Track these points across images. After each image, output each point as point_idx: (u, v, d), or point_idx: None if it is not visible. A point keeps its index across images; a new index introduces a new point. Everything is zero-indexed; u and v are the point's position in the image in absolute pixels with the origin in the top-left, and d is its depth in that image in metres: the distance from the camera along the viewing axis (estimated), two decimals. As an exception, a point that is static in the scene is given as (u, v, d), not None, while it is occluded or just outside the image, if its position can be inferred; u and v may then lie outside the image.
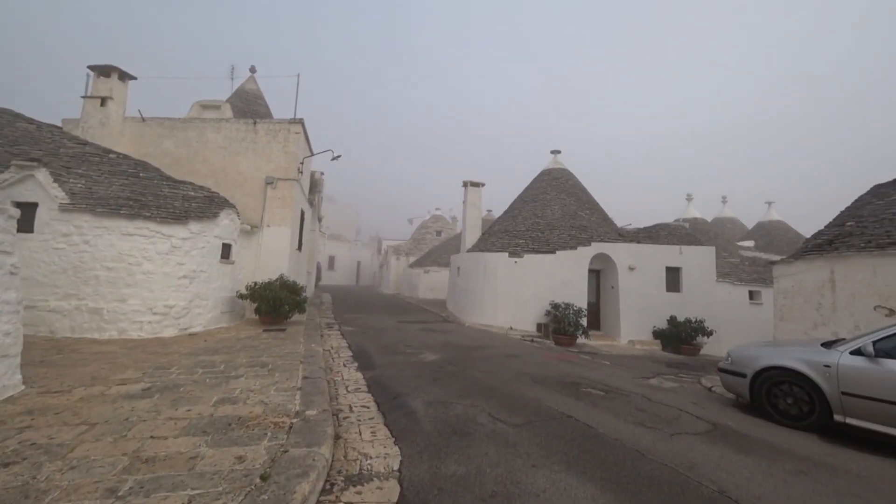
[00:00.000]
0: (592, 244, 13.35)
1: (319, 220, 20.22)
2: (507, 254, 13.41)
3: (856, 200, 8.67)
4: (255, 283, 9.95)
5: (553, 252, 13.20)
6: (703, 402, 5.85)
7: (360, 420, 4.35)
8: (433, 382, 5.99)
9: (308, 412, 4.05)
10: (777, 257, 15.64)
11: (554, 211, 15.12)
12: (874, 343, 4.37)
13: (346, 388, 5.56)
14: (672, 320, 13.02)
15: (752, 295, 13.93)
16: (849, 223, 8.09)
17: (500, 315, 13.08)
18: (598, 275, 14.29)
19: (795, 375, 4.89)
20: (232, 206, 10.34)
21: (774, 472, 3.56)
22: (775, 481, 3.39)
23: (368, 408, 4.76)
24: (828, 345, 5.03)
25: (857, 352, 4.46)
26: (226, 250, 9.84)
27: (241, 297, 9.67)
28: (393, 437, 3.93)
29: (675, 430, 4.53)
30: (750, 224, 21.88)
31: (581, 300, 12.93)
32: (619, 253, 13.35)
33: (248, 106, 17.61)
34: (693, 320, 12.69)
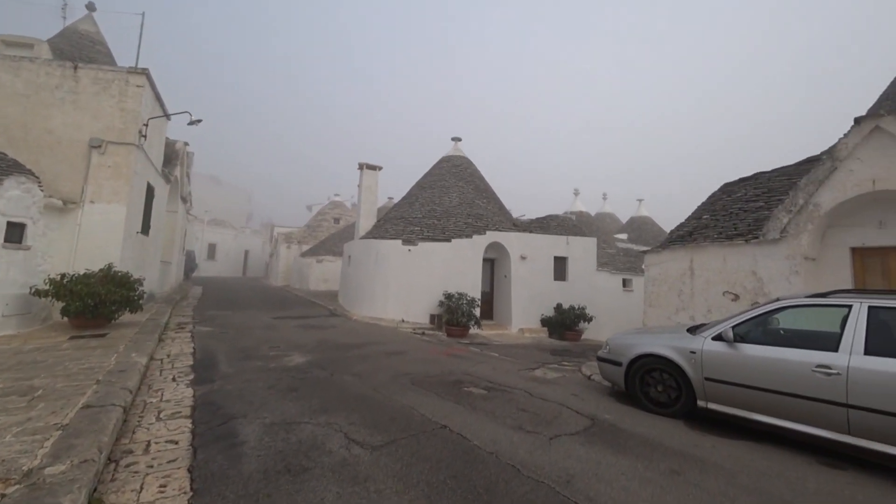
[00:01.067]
0: (487, 233, 13.19)
1: (183, 199, 17.05)
2: (400, 241, 12.57)
3: (710, 196, 9.59)
4: (64, 276, 7.57)
5: (448, 240, 12.72)
6: (583, 394, 5.69)
7: (151, 466, 3.08)
8: (287, 395, 4.86)
9: (51, 468, 2.67)
10: (646, 248, 17.41)
11: (451, 198, 14.68)
12: (733, 328, 4.44)
13: (159, 413, 4.15)
14: (558, 308, 13.52)
15: (625, 283, 15.19)
16: (705, 216, 8.87)
17: (391, 307, 12.22)
18: (493, 264, 14.26)
19: (666, 363, 4.86)
20: (27, 173, 7.73)
21: (651, 476, 3.26)
22: (652, 489, 3.06)
23: (177, 443, 3.49)
24: (693, 330, 5.12)
25: (718, 337, 4.51)
26: (15, 231, 7.30)
27: (39, 293, 7.25)
28: (192, 490, 2.78)
29: (554, 431, 4.12)
30: (625, 219, 24.36)
31: (475, 290, 12.69)
32: (513, 242, 13.42)
33: (80, 52, 13.87)
34: (576, 307, 13.32)
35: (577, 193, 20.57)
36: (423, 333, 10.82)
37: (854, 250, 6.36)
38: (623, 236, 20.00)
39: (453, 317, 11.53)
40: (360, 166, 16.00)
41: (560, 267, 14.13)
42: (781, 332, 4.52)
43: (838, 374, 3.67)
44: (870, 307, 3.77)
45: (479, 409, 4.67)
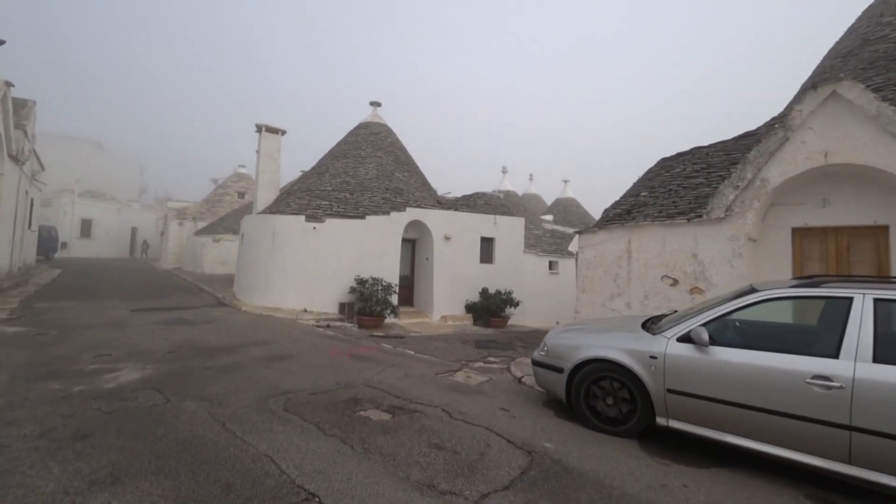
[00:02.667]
0: (407, 209, 11.64)
1: (15, 159, 12.95)
2: (303, 217, 10.53)
3: (646, 172, 9.01)
4: None
5: (362, 217, 10.95)
6: (514, 407, 4.51)
7: None
8: (64, 449, 2.99)
9: None
10: (572, 230, 17.18)
11: (368, 170, 12.83)
12: (705, 326, 3.46)
13: None
14: (484, 292, 12.55)
15: (551, 265, 14.72)
16: (643, 193, 8.21)
17: (291, 295, 10.23)
18: (414, 245, 12.81)
19: (619, 369, 3.81)
20: None
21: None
22: None
23: None
24: (648, 326, 4.12)
25: (686, 338, 3.51)
26: None
27: None
28: None
29: (480, 485, 2.81)
30: (550, 201, 24.35)
31: (393, 274, 11.16)
32: (436, 220, 12.04)
33: None
34: (503, 292, 12.45)
35: (504, 171, 19.82)
36: (328, 326, 9.08)
37: (795, 231, 5.93)
38: (549, 217, 19.74)
39: (366, 305, 9.93)
40: (259, 128, 13.38)
41: (487, 248, 13.13)
42: (759, 330, 3.66)
43: (841, 387, 2.80)
44: (875, 300, 2.93)
45: (373, 452, 3.22)
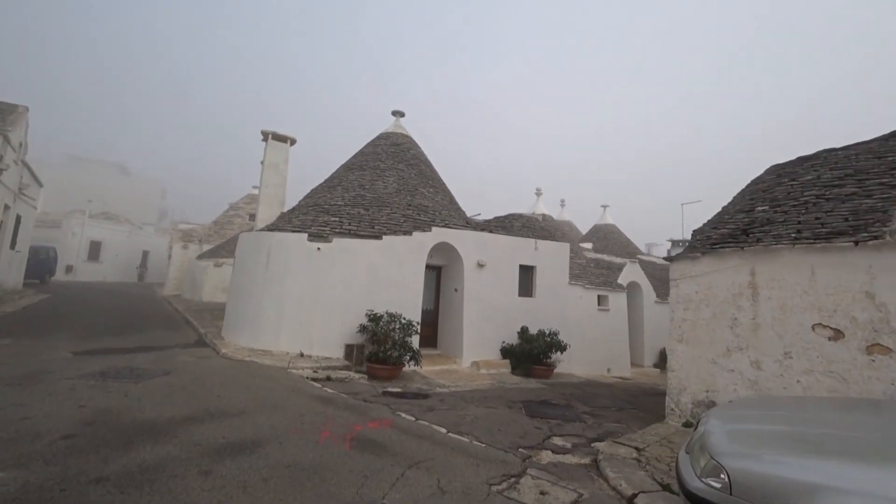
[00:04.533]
0: (433, 229, 9.58)
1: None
2: (305, 235, 8.55)
3: (754, 182, 6.80)
4: None
5: (378, 237, 8.93)
6: None
7: None
8: None
9: None
10: (620, 259, 14.84)
11: (387, 183, 10.94)
12: None
13: None
14: (523, 333, 10.23)
15: (600, 300, 12.34)
16: (759, 208, 5.97)
17: (286, 333, 8.11)
18: (440, 273, 10.69)
19: None
20: None
21: None
22: None
23: None
24: None
25: None
26: None
27: None
28: None
29: None
30: (584, 229, 22.11)
31: (414, 308, 8.99)
32: (467, 243, 9.94)
33: None
34: (547, 332, 10.11)
35: (539, 194, 17.81)
36: (328, 378, 6.86)
37: None
38: (587, 245, 17.45)
39: (380, 349, 7.73)
40: (265, 136, 11.75)
41: (526, 279, 10.89)
42: None
43: None
44: None
45: None
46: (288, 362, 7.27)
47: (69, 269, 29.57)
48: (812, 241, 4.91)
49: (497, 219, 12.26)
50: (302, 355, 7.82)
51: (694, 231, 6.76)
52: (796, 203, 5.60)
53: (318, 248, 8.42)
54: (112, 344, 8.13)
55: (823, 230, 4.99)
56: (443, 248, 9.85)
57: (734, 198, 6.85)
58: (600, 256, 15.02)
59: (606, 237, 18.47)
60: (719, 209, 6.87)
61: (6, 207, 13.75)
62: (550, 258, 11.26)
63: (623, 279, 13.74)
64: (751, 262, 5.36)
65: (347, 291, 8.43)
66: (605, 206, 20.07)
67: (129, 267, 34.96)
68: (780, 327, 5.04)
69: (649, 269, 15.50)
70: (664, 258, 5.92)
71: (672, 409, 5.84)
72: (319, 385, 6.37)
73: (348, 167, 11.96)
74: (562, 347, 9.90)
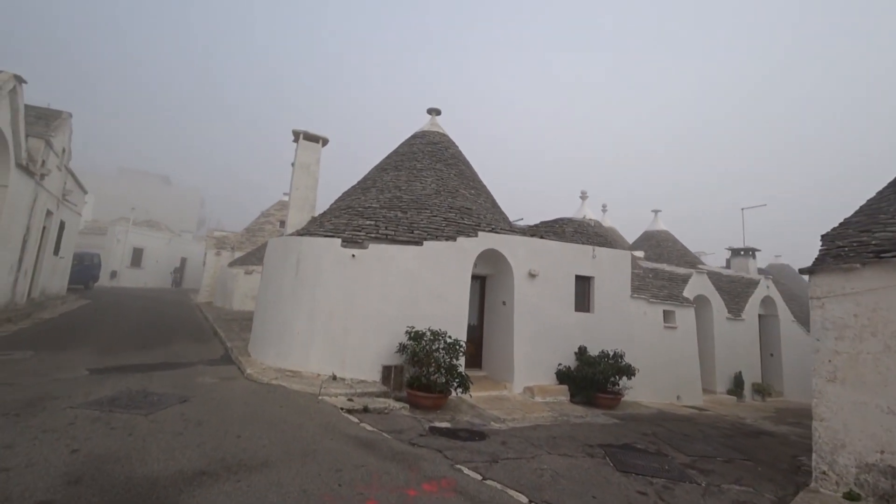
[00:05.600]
0: (480, 234, 8.45)
1: (30, 172, 11.36)
2: (339, 241, 7.61)
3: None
4: None
5: (419, 242, 7.89)
6: None
7: None
8: None
9: None
10: (684, 270, 13.21)
11: (426, 184, 9.92)
12: None
13: None
14: (581, 353, 8.90)
15: (666, 316, 10.80)
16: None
17: (316, 351, 7.14)
18: (483, 284, 9.52)
19: None
20: None
21: None
22: None
23: None
24: None
25: None
26: None
27: None
28: None
29: None
30: (630, 238, 20.39)
31: (459, 325, 7.85)
32: (518, 250, 8.74)
33: None
34: (610, 354, 8.74)
35: (584, 197, 16.40)
36: (365, 409, 5.79)
37: None
38: (639, 254, 15.83)
39: (422, 372, 6.64)
40: (296, 135, 11.04)
41: (583, 291, 9.56)
42: None
43: None
44: None
45: None
46: (319, 387, 6.26)
47: (113, 274, 30.34)
48: None
49: (545, 224, 10.98)
50: (334, 378, 6.81)
51: (824, 236, 5.32)
52: None
53: (353, 255, 7.45)
54: (133, 359, 7.41)
55: None
56: (488, 256, 8.70)
57: (878, 196, 5.38)
58: (659, 266, 13.42)
59: (660, 245, 16.77)
60: (858, 209, 5.41)
61: (49, 213, 13.68)
62: (610, 268, 9.88)
63: (689, 292, 12.13)
64: (940, 275, 3.93)
65: (384, 304, 7.39)
66: (656, 211, 18.34)
67: (168, 273, 35.76)
68: None
69: (714, 280, 13.76)
70: (801, 270, 4.54)
71: (825, 473, 4.40)
72: (356, 420, 5.30)
73: (382, 168, 11.04)
74: (630, 372, 8.49)
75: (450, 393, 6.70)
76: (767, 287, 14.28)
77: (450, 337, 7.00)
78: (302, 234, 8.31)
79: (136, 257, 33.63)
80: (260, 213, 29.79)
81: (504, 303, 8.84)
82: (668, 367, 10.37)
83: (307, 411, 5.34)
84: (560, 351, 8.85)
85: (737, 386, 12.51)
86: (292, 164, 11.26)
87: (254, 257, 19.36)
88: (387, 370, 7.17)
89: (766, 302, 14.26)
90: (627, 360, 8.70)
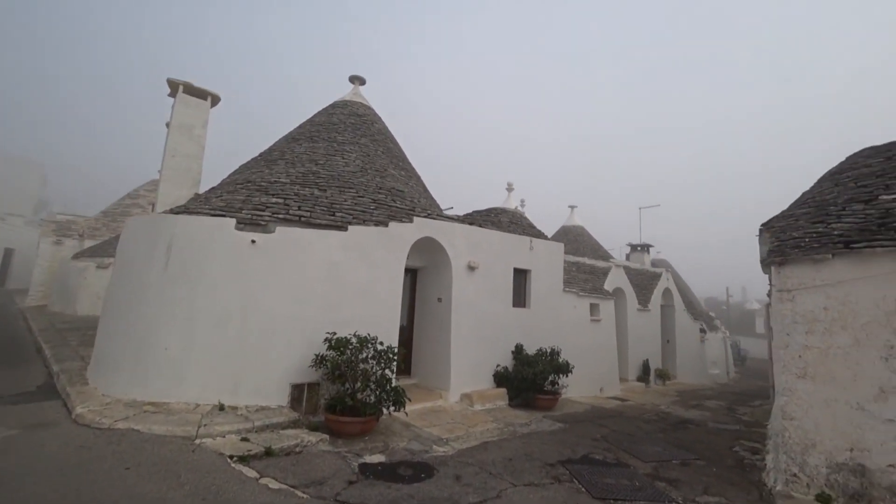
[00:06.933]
0: (416, 220, 7.21)
1: None
2: (233, 221, 5.73)
3: (841, 171, 5.42)
4: None
5: (343, 227, 6.37)
6: None
7: None
8: None
9: None
10: (603, 263, 13.54)
11: (349, 159, 8.34)
12: None
13: None
14: (519, 352, 8.27)
15: (592, 309, 10.78)
16: (885, 197, 4.52)
17: (195, 373, 5.22)
18: (414, 278, 8.33)
19: None
20: None
21: None
22: None
23: None
24: None
25: None
26: None
27: None
28: None
29: None
30: (548, 231, 20.85)
31: (390, 328, 6.56)
32: (458, 240, 7.72)
33: None
34: (547, 351, 8.24)
35: (510, 189, 16.12)
36: (268, 453, 4.20)
37: None
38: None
39: (345, 390, 5.24)
40: (173, 88, 8.56)
41: (520, 285, 8.93)
42: None
43: None
44: None
45: None
46: (197, 425, 4.43)
47: None
48: None
49: (479, 213, 10.19)
50: (222, 408, 5.00)
51: (766, 225, 5.23)
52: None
53: (253, 242, 5.64)
54: None
55: None
56: (423, 246, 7.51)
57: (816, 188, 5.45)
58: (581, 259, 13.63)
59: (577, 239, 17.31)
60: (800, 200, 5.42)
61: None
62: (545, 261, 9.43)
63: (608, 285, 12.42)
64: (913, 266, 3.83)
65: (297, 305, 5.75)
66: (572, 207, 18.99)
67: (-14, 267, 27.57)
68: (970, 361, 3.52)
69: (626, 273, 14.44)
70: (765, 260, 4.33)
71: (795, 475, 4.12)
72: (254, 474, 3.70)
73: (293, 138, 9.12)
74: (567, 370, 8.06)
75: (381, 414, 5.39)
76: (668, 280, 15.52)
77: (381, 343, 5.68)
78: (178, 213, 6.16)
79: (-65, 246, 25.37)
80: (126, 193, 24.37)
81: (440, 299, 7.75)
82: (593, 360, 10.32)
83: (173, 470, 3.57)
84: (498, 351, 8.09)
85: (645, 373, 13.25)
86: (167, 125, 8.75)
87: (111, 247, 15.35)
88: (297, 390, 5.57)
89: (665, 293, 15.48)
90: (562, 356, 8.29)
